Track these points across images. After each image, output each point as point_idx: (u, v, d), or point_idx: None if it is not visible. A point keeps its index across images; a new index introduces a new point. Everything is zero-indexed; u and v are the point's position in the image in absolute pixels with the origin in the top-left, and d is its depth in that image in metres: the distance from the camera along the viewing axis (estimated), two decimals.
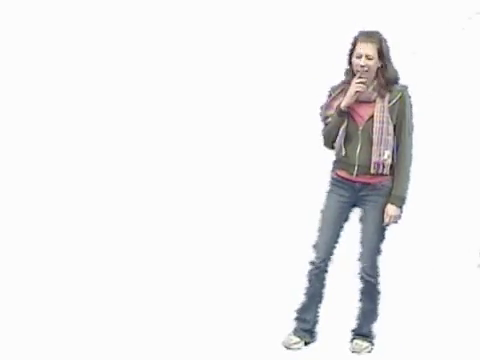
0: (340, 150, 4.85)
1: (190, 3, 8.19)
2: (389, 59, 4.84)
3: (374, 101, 4.82)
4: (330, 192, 4.96)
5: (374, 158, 4.82)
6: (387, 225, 4.86)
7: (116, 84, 7.90)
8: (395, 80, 4.86)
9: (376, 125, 4.81)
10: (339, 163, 4.92)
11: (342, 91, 4.87)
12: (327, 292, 5.06)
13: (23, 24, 8.04)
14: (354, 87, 4.79)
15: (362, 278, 4.94)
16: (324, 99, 5.01)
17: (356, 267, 4.97)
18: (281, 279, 5.83)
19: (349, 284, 5.09)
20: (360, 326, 5.04)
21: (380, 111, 4.81)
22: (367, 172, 4.84)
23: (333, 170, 4.96)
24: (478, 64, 7.96)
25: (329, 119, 4.89)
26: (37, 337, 4.95)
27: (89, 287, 5.80)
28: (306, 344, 5.04)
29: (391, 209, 4.83)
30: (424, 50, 8.08)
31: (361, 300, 5.01)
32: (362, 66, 4.77)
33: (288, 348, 4.99)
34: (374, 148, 4.82)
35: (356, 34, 4.85)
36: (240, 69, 8.14)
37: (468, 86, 7.98)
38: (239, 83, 8.08)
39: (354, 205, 4.94)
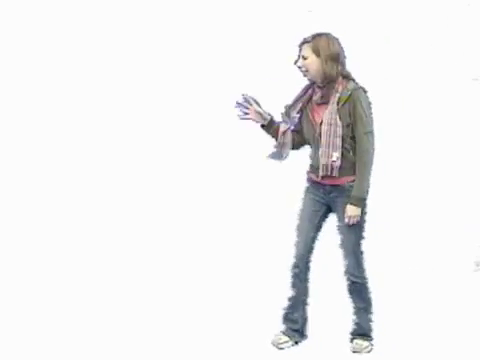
0: (312, 157, 4.98)
1: (190, 3, 8.11)
2: (330, 58, 4.79)
3: (327, 102, 4.85)
4: (305, 192, 5.02)
5: (322, 160, 4.84)
6: (349, 225, 4.85)
7: (116, 84, 7.80)
8: (332, 78, 4.81)
9: (324, 128, 4.82)
10: (310, 166, 4.99)
11: (305, 93, 4.93)
12: (322, 291, 5.13)
13: (23, 24, 7.90)
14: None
15: (348, 279, 4.97)
16: None
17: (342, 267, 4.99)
18: (269, 278, 5.77)
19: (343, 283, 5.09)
20: (357, 326, 5.04)
21: (328, 113, 4.81)
22: (330, 172, 4.86)
23: (307, 172, 5.03)
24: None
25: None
26: (37, 337, 4.91)
27: (87, 287, 5.73)
28: (296, 343, 5.04)
29: (349, 209, 4.81)
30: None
31: (352, 300, 5.02)
32: (299, 67, 4.86)
33: (277, 347, 4.99)
34: (321, 150, 4.83)
35: None
36: (237, 70, 8.09)
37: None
38: (235, 84, 7.83)
39: (328, 205, 4.97)
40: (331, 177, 4.83)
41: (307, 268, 4.99)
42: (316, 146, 4.86)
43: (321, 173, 4.83)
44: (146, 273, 6.00)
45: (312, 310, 5.08)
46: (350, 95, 4.77)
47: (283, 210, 6.46)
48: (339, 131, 4.77)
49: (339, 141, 4.77)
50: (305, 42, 4.82)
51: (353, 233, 4.88)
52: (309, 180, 4.97)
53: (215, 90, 7.94)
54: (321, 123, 4.81)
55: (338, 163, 4.78)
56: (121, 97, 7.82)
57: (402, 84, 8.29)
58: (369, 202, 5.27)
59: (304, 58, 4.80)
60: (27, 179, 7.17)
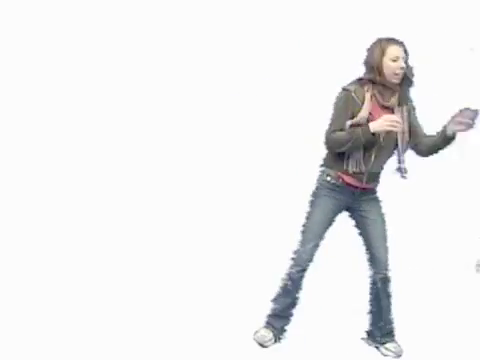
0: (357, 163, 4.81)
1: (190, 3, 8.23)
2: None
3: (392, 108, 4.80)
4: (326, 195, 4.87)
5: (402, 164, 4.88)
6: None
7: (116, 84, 7.88)
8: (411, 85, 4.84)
9: (399, 135, 4.84)
10: (345, 168, 4.83)
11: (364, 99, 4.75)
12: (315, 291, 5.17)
13: (23, 24, 8.03)
14: (390, 124, 4.72)
15: (381, 275, 4.91)
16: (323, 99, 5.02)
17: (363, 268, 4.98)
18: (258, 276, 5.77)
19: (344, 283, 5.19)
20: (388, 326, 4.99)
21: (401, 119, 4.78)
22: (375, 179, 4.86)
23: (333, 173, 4.86)
24: None
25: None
26: (37, 337, 4.91)
27: (85, 287, 5.74)
28: (279, 340, 5.02)
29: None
30: None
31: (382, 300, 4.95)
32: (402, 68, 4.71)
33: (262, 345, 4.96)
34: (400, 155, 4.87)
35: (382, 38, 4.80)
36: (237, 70, 8.21)
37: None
38: (235, 84, 8.13)
39: (346, 208, 4.93)
40: (372, 182, 4.84)
41: (307, 269, 4.97)
42: (371, 151, 4.77)
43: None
44: (138, 271, 6.01)
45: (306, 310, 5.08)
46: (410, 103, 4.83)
47: (276, 209, 6.62)
48: (407, 137, 4.83)
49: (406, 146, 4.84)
50: (401, 44, 4.75)
51: (385, 225, 4.89)
52: (338, 183, 4.82)
53: (216, 90, 8.07)
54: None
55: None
56: (121, 97, 7.91)
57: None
58: None
59: (405, 62, 4.74)
60: (27, 179, 7.24)
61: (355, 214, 4.90)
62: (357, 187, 4.82)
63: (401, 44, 4.72)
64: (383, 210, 4.91)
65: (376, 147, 4.74)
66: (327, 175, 4.85)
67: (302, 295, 5.01)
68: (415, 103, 4.92)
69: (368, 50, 4.79)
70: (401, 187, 6.73)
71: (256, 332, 4.97)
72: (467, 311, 5.60)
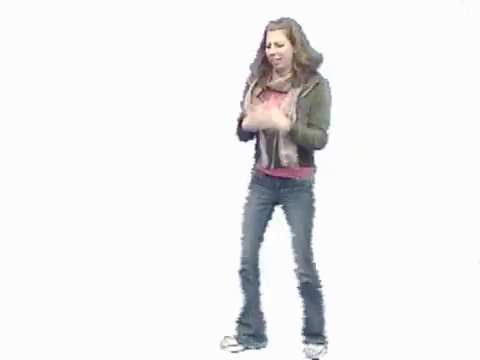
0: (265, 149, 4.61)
1: (190, 3, 8.10)
2: (304, 44, 4.47)
3: (286, 92, 4.51)
4: (251, 188, 4.71)
5: (283, 151, 4.52)
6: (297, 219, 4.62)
7: (116, 84, 7.83)
8: (311, 66, 4.48)
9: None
10: (257, 157, 4.66)
11: (256, 84, 4.57)
12: (282, 293, 5.05)
13: (23, 24, 7.92)
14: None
15: (299, 279, 4.68)
16: None
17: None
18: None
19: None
20: (308, 328, 4.80)
21: (287, 104, 4.46)
22: (282, 164, 4.55)
23: (254, 165, 4.70)
24: None
25: None
26: (37, 337, 4.92)
27: (82, 288, 5.75)
28: (256, 349, 4.86)
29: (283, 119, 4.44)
30: None
31: (303, 302, 4.75)
32: (272, 54, 4.44)
33: (221, 348, 4.82)
34: (281, 141, 4.52)
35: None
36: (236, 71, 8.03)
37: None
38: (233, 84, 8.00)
39: (276, 203, 4.69)
40: (282, 169, 4.53)
41: (256, 270, 4.73)
42: (271, 136, 4.52)
43: (273, 165, 4.53)
44: (134, 272, 6.00)
45: (271, 313, 4.90)
46: (317, 84, 4.44)
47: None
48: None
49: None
50: (276, 27, 4.46)
51: (302, 230, 4.58)
52: (256, 174, 4.66)
53: (214, 90, 7.80)
54: None
55: (294, 156, 4.49)
56: (121, 97, 7.79)
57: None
58: (370, 199, 5.64)
59: (279, 45, 4.44)
60: (27, 179, 7.27)
61: (283, 209, 4.67)
62: (271, 176, 4.58)
63: (277, 27, 4.44)
64: (307, 209, 4.60)
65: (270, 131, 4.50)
66: (252, 168, 4.70)
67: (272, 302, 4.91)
68: None
69: None
70: (405, 184, 7.14)
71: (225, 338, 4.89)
72: (470, 308, 5.50)
